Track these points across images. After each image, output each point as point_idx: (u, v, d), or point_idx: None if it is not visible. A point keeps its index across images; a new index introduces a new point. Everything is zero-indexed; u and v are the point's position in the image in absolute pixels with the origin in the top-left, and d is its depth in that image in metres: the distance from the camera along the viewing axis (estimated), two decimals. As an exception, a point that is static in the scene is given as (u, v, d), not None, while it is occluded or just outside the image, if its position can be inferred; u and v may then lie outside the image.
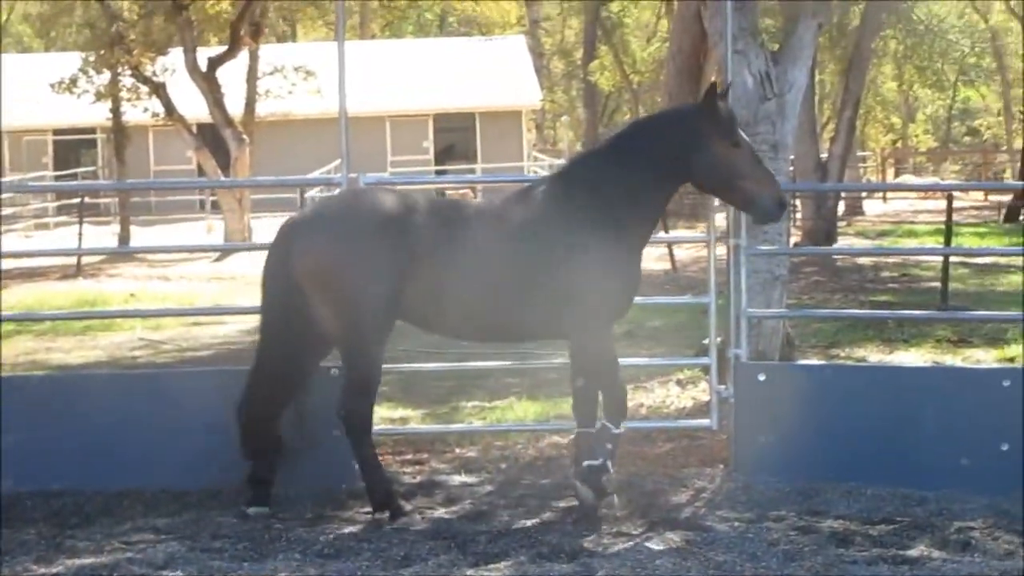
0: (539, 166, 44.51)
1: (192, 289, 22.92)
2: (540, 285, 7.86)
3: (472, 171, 43.97)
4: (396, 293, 7.75)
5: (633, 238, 8.06)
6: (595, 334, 8.00)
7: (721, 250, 9.36)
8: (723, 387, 9.17)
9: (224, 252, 28.89)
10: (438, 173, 41.67)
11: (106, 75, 30.98)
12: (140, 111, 31.69)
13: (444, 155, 46.49)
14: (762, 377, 8.75)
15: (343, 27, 8.94)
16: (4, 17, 48.43)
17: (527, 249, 7.87)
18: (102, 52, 30.01)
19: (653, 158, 8.00)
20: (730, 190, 8.04)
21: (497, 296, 7.87)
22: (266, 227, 32.88)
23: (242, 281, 24.07)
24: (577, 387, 8.23)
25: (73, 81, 31.09)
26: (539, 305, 7.91)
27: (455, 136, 47.11)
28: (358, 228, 7.78)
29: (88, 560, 7.14)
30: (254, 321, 17.43)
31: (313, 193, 32.41)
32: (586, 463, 7.99)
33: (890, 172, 52.36)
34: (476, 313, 7.94)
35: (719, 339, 9.48)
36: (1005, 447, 8.34)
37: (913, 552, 7.12)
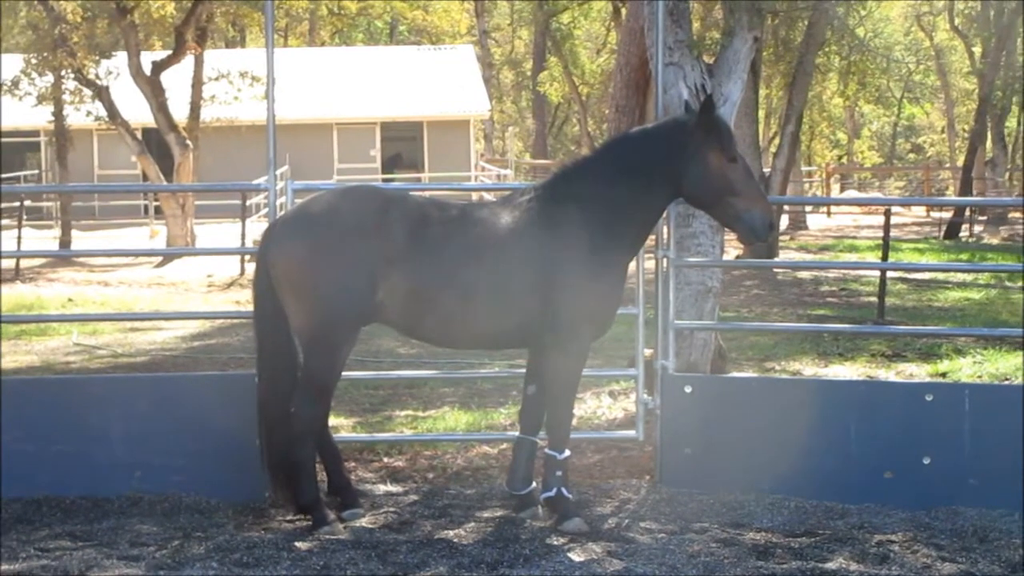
0: (486, 176, 44.52)
1: (131, 294, 22.73)
2: (521, 295, 7.75)
3: (419, 180, 43.97)
4: (366, 297, 7.65)
5: (619, 253, 7.95)
6: (571, 349, 7.90)
7: (651, 263, 9.36)
8: (649, 399, 9.17)
9: (166, 257, 28.74)
10: (385, 181, 41.57)
11: (49, 77, 30.71)
12: (83, 115, 31.40)
13: (391, 163, 46.40)
14: (688, 389, 8.76)
15: (272, 31, 8.88)
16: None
17: (510, 258, 7.75)
18: (45, 54, 29.74)
19: (647, 170, 7.88)
20: (721, 206, 7.90)
21: (477, 303, 7.74)
22: (209, 233, 32.82)
23: (183, 287, 23.96)
24: (528, 394, 8.22)
25: (15, 83, 30.82)
26: (520, 314, 7.81)
27: (402, 145, 47.02)
28: (332, 229, 7.67)
29: (2, 567, 7.05)
30: (192, 327, 17.61)
31: (258, 199, 32.46)
32: (544, 496, 7.97)
33: (835, 187, 52.69)
34: (454, 320, 7.80)
35: (648, 351, 9.49)
36: (927, 461, 8.39)
37: (832, 565, 7.15)
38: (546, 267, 7.74)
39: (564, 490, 7.92)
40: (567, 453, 8.01)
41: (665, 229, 9.06)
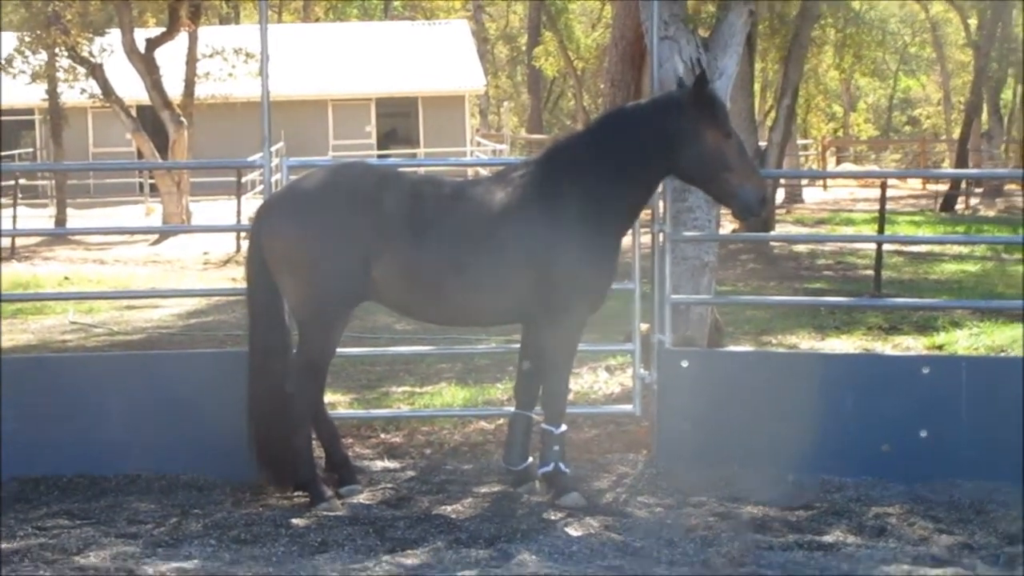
0: (482, 151, 44.45)
1: (128, 272, 22.73)
2: (516, 271, 7.73)
3: (414, 156, 43.90)
4: (360, 275, 7.64)
5: (613, 228, 7.92)
6: (566, 324, 7.89)
7: (647, 238, 9.35)
8: (646, 373, 9.17)
9: (162, 235, 28.74)
10: (380, 157, 41.51)
11: (43, 55, 30.60)
12: (77, 92, 31.32)
13: (387, 139, 46.34)
14: (685, 364, 8.75)
15: (266, 7, 8.84)
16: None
17: (504, 234, 7.72)
18: (39, 32, 29.63)
19: (641, 144, 7.85)
20: (715, 181, 7.87)
21: (471, 280, 7.72)
22: (204, 210, 32.78)
23: (178, 264, 23.96)
24: (524, 370, 8.23)
25: (8, 61, 30.71)
26: (514, 291, 7.80)
27: (398, 121, 46.94)
28: (325, 206, 7.67)
29: (1, 546, 7.04)
30: (188, 305, 17.63)
31: (253, 176, 32.40)
32: (541, 471, 7.97)
33: (831, 160, 52.69)
34: (449, 297, 7.79)
35: (645, 326, 9.49)
36: (924, 434, 8.39)
37: (829, 538, 7.15)
38: (540, 242, 7.72)
39: (561, 465, 7.93)
40: (564, 428, 8.01)
41: (661, 203, 9.05)
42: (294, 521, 7.45)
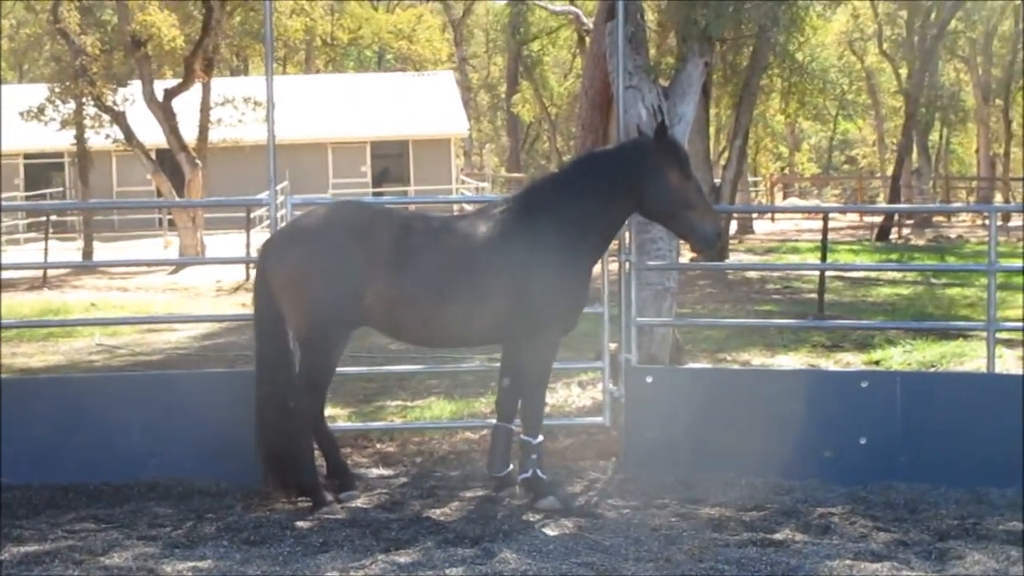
0: (466, 188, 44.43)
1: (148, 299, 22.63)
2: (497, 296, 7.71)
3: (406, 193, 43.85)
4: (354, 302, 7.62)
5: (584, 259, 7.93)
6: (541, 346, 7.88)
7: (615, 265, 9.35)
8: (615, 388, 9.16)
9: (179, 265, 28.61)
10: (375, 195, 41.45)
11: (71, 104, 30.62)
12: (102, 137, 31.28)
13: (380, 178, 46.28)
14: (649, 379, 8.76)
15: (271, 60, 8.84)
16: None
17: (485, 264, 7.72)
18: (67, 83, 29.67)
19: (610, 185, 7.86)
20: (676, 218, 7.90)
21: (454, 307, 7.71)
22: (217, 243, 32.67)
23: (194, 292, 23.86)
24: (504, 386, 8.21)
25: (41, 110, 30.70)
26: (494, 315, 7.78)
27: (390, 161, 46.88)
28: (323, 240, 7.66)
29: (32, 548, 7.01)
30: (203, 328, 17.54)
31: (261, 212, 32.31)
32: (521, 477, 7.95)
33: (778, 195, 52.77)
34: (434, 322, 7.77)
35: (613, 345, 9.48)
36: (863, 441, 8.40)
37: (779, 535, 7.15)
38: (517, 272, 7.72)
39: (539, 471, 7.91)
40: (540, 438, 8.00)
41: (627, 235, 9.06)
42: (298, 524, 7.42)
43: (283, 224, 8.76)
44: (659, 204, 7.88)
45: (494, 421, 8.43)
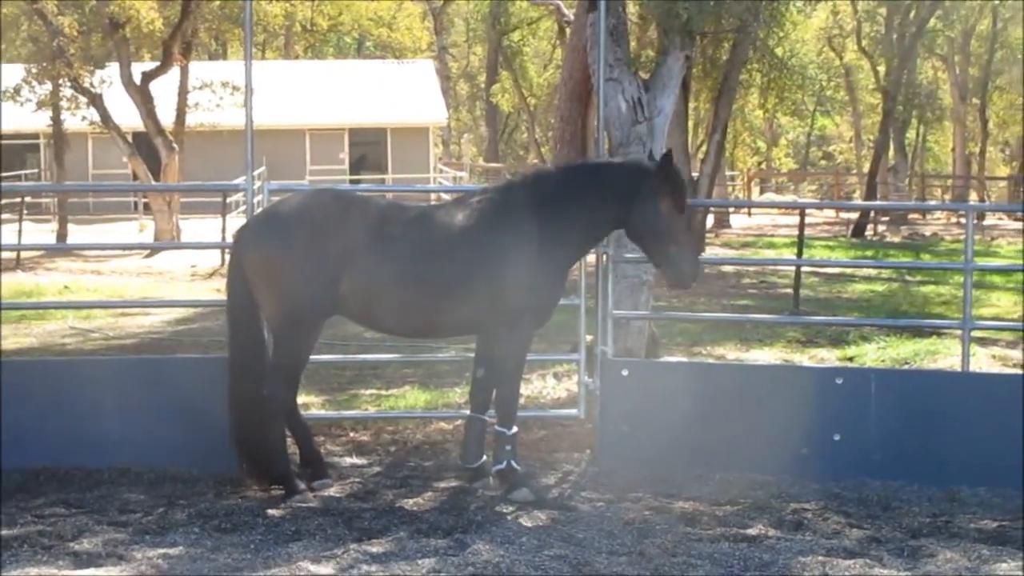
0: (444, 178, 44.34)
1: (123, 283, 22.49)
2: (473, 287, 7.67)
3: (383, 181, 43.74)
4: (330, 290, 7.57)
5: (561, 259, 7.89)
6: (515, 337, 7.84)
7: (592, 258, 9.32)
8: (590, 380, 9.14)
9: (153, 249, 28.51)
10: (352, 182, 41.31)
11: (47, 85, 30.38)
12: (79, 120, 31.04)
13: (358, 165, 46.13)
14: (625, 372, 8.74)
15: (251, 45, 8.78)
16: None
17: (462, 255, 7.67)
18: (44, 64, 29.41)
19: (602, 198, 7.81)
20: (657, 246, 7.82)
21: (430, 295, 7.68)
22: (193, 227, 32.52)
23: (168, 276, 23.73)
24: (477, 377, 8.18)
25: (17, 90, 30.40)
26: (469, 305, 7.73)
27: (368, 148, 46.71)
28: (297, 228, 7.61)
29: (1, 532, 6.92)
30: (177, 313, 17.45)
31: (237, 198, 32.19)
32: (495, 468, 7.91)
33: (755, 190, 52.86)
34: (408, 311, 7.73)
35: (589, 337, 9.46)
36: (837, 437, 8.41)
37: (752, 531, 7.14)
38: (494, 264, 7.68)
39: (513, 463, 7.88)
40: (515, 429, 7.97)
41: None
42: (270, 512, 7.37)
43: (259, 210, 8.71)
44: (644, 227, 7.79)
45: (468, 412, 8.40)
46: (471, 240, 7.71)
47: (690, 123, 32.14)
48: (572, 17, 16.48)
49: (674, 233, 7.76)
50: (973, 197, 47.95)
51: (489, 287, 7.68)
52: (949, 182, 52.61)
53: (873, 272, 23.40)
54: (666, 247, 7.78)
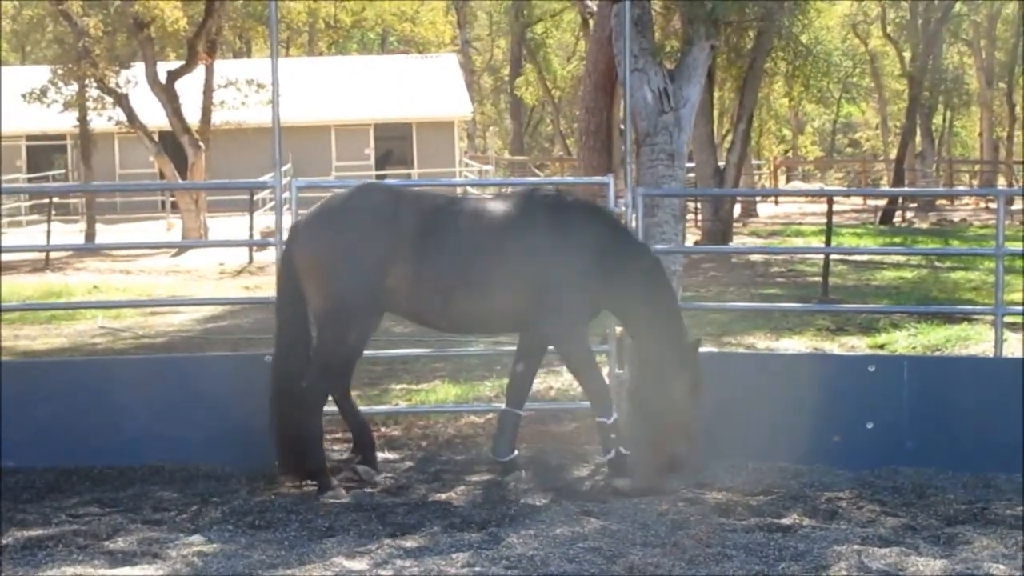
0: (470, 171, 44.34)
1: (151, 282, 22.58)
2: (520, 282, 7.68)
3: (409, 176, 43.79)
4: (377, 283, 7.58)
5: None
6: (572, 333, 7.84)
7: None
8: (622, 372, 9.10)
9: (181, 248, 28.62)
10: (378, 177, 41.37)
11: (74, 86, 30.50)
12: (105, 119, 31.19)
13: (383, 161, 46.18)
14: (656, 363, 8.65)
15: (275, 42, 8.78)
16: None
17: (511, 250, 7.69)
18: (70, 65, 29.55)
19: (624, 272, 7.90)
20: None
21: (478, 290, 7.68)
22: (220, 225, 32.64)
23: (196, 274, 23.81)
24: (517, 371, 8.15)
25: (43, 92, 30.58)
26: (516, 300, 7.73)
27: (394, 144, 46.74)
28: (348, 223, 7.65)
29: (36, 532, 6.96)
30: (206, 311, 17.48)
31: (264, 195, 32.27)
32: (605, 457, 7.87)
33: (782, 178, 52.64)
34: (457, 306, 7.72)
35: (619, 328, 9.41)
36: (870, 425, 8.36)
37: (786, 520, 7.10)
38: (542, 259, 7.68)
39: (622, 449, 7.83)
40: (616, 416, 7.91)
41: (633, 219, 9.00)
42: (303, 508, 7.37)
43: (286, 207, 8.73)
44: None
45: (500, 405, 8.38)
46: (521, 237, 7.72)
47: (715, 112, 32.03)
48: (595, 8, 16.44)
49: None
50: (1001, 182, 47.59)
51: (537, 281, 7.67)
52: (977, 167, 52.29)
53: (902, 259, 23.27)
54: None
